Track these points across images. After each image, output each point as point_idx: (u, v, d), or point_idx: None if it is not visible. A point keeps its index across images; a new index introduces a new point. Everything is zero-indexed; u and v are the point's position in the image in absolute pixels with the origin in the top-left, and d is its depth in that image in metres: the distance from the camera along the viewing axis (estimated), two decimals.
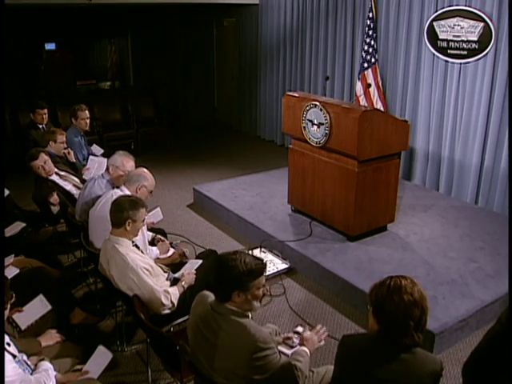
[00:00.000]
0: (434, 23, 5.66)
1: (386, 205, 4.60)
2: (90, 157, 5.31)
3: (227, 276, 2.17)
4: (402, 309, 1.84)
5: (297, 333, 2.70)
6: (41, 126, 5.87)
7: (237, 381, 2.16)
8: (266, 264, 2.28)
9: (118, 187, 3.65)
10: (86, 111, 5.59)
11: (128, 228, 3.01)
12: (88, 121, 5.64)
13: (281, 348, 2.51)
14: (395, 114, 6.17)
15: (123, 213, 2.99)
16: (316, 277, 4.27)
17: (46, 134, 5.09)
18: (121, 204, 3.02)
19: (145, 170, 3.71)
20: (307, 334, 2.55)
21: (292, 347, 2.57)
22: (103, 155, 5.62)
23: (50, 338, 2.77)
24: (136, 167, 3.87)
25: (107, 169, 3.93)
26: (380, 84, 6.31)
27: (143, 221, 3.16)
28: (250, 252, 4.08)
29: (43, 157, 4.35)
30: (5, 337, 2.27)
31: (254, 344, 2.10)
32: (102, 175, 3.99)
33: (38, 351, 2.62)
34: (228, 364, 2.16)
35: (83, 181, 4.78)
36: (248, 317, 2.21)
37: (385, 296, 1.88)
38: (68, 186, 4.53)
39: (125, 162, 3.91)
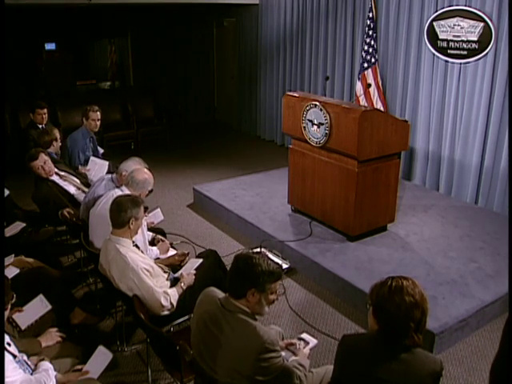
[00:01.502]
0: (434, 23, 5.66)
1: (386, 205, 4.60)
2: (91, 158, 5.21)
3: (248, 272, 2.16)
4: (402, 310, 1.84)
5: (301, 339, 2.65)
6: (40, 126, 5.83)
7: (240, 380, 2.14)
8: (283, 271, 2.28)
9: (118, 187, 3.65)
10: (98, 112, 5.48)
11: (131, 227, 3.04)
12: (99, 122, 5.51)
13: (283, 353, 2.49)
14: (395, 114, 6.17)
15: (127, 212, 3.00)
16: (316, 277, 4.27)
17: (46, 135, 4.96)
18: (123, 204, 3.02)
19: (146, 171, 3.71)
20: (307, 350, 2.56)
21: (295, 353, 2.54)
22: (103, 155, 5.61)
23: (51, 337, 2.77)
24: None
25: (120, 174, 3.85)
26: (380, 84, 6.31)
27: (142, 218, 3.17)
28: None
29: (43, 157, 4.35)
30: (5, 337, 2.27)
31: (261, 345, 2.09)
32: (111, 178, 3.98)
33: (38, 351, 2.63)
34: (233, 363, 2.15)
35: (84, 181, 4.78)
36: (256, 319, 2.20)
37: (386, 296, 1.88)
38: (68, 187, 4.52)
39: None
